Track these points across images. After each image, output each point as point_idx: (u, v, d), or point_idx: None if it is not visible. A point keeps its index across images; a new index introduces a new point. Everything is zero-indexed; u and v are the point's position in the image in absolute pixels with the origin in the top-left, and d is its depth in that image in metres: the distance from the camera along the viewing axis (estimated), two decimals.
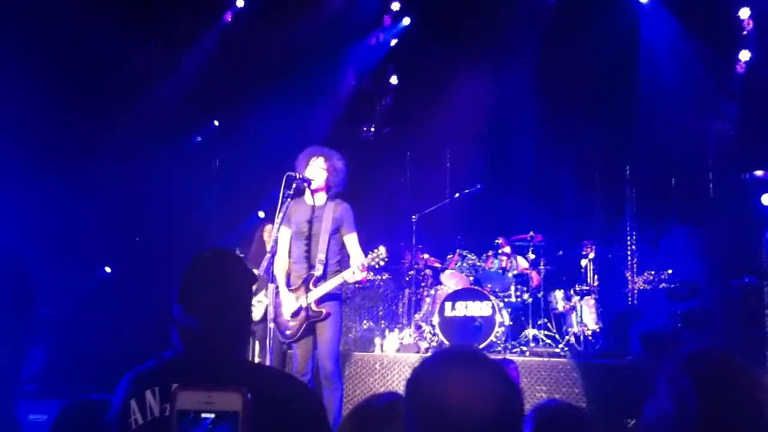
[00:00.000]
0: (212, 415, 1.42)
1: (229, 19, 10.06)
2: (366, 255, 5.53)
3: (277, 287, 5.41)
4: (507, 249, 8.60)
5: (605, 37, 9.17)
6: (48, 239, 7.79)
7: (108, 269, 7.90)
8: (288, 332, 5.49)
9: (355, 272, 5.43)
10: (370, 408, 2.03)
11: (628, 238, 9.34)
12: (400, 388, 6.93)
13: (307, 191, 5.61)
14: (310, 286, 5.46)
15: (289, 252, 5.67)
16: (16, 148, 7.65)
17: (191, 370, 2.19)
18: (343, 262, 5.64)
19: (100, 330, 8.41)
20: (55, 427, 2.82)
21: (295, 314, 5.47)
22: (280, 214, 5.29)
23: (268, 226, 7.88)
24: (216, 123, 10.39)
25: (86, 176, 8.26)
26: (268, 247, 7.43)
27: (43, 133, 8.05)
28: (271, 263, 5.20)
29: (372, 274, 5.78)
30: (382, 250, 5.48)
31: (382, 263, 5.52)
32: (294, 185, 5.40)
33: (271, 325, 5.23)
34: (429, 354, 7.54)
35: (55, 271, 7.87)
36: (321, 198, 5.64)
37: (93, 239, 8.64)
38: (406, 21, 10.54)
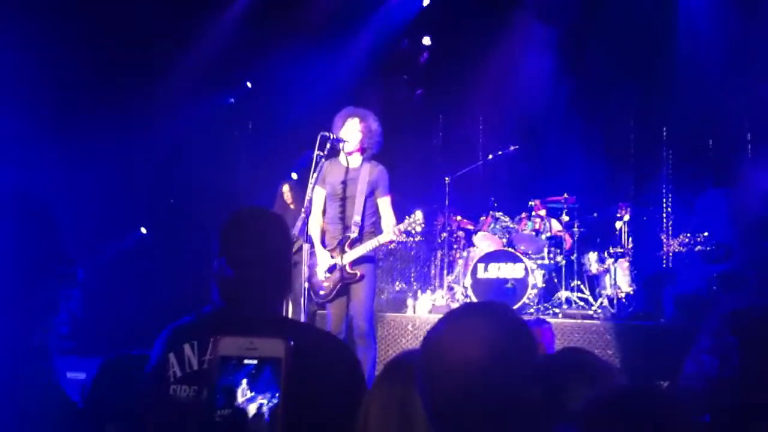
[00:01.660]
0: (254, 362, 1.43)
1: None
2: (399, 219, 5.53)
3: (312, 247, 5.43)
4: (542, 212, 8.54)
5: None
6: (83, 200, 7.88)
7: (144, 230, 7.98)
8: (322, 292, 5.53)
9: (389, 235, 5.44)
10: (408, 360, 2.04)
11: (664, 200, 9.22)
12: None
13: (342, 152, 5.60)
14: (346, 247, 5.48)
15: (323, 212, 5.68)
16: (50, 106, 7.72)
17: (229, 324, 2.21)
18: (378, 225, 5.64)
19: (137, 290, 8.53)
20: (95, 382, 2.85)
21: (329, 274, 5.50)
22: (315, 174, 5.29)
23: (286, 186, 7.95)
24: (249, 84, 10.37)
25: (120, 137, 8.32)
26: (293, 206, 7.51)
27: (77, 92, 8.10)
28: (305, 223, 5.21)
29: (405, 236, 5.77)
30: (419, 215, 5.47)
31: (419, 228, 5.50)
32: (328, 145, 5.39)
33: (306, 284, 5.27)
34: None
35: (91, 232, 7.98)
36: (356, 159, 5.62)
37: (128, 200, 8.73)
38: None
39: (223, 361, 1.45)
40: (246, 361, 1.44)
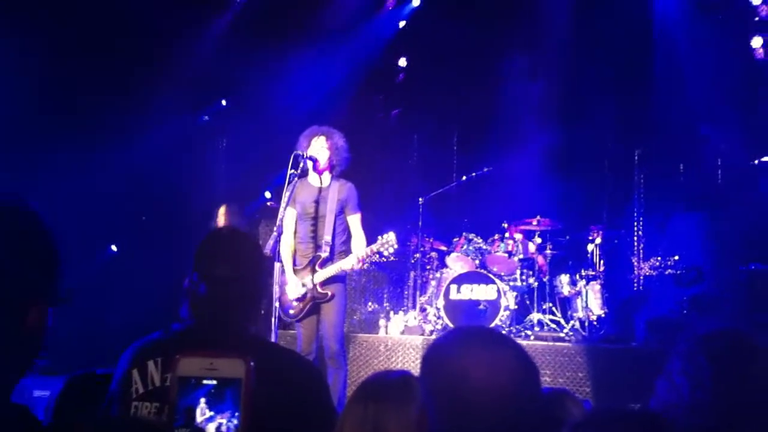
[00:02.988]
0: (214, 382, 1.40)
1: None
2: (372, 239, 5.52)
3: (282, 267, 5.39)
4: (516, 234, 8.54)
5: (618, 16, 9.09)
6: (55, 216, 7.75)
7: (114, 248, 7.90)
8: (292, 311, 5.50)
9: (354, 264, 5.43)
10: (382, 380, 2.02)
11: (635, 223, 9.28)
12: (404, 369, 6.93)
13: (312, 171, 5.59)
14: (316, 267, 5.45)
15: (295, 232, 5.65)
16: (22, 121, 7.64)
17: (195, 342, 2.19)
18: (350, 243, 5.63)
19: (105, 308, 8.42)
20: (59, 400, 2.82)
21: (299, 295, 5.46)
22: (287, 194, 5.27)
23: (222, 208, 7.92)
24: (224, 102, 10.34)
25: (90, 154, 8.24)
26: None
27: (51, 107, 8.03)
28: (277, 242, 5.18)
29: (378, 256, 5.74)
30: (391, 236, 5.46)
31: (391, 249, 5.50)
32: (301, 164, 5.38)
33: (276, 304, 5.23)
34: (434, 336, 7.56)
35: (61, 248, 7.86)
36: (326, 178, 5.62)
37: (98, 217, 8.63)
38: (416, 2, 10.45)
39: (182, 381, 1.41)
40: (205, 382, 1.41)
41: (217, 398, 1.40)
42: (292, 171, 5.33)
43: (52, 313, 1.55)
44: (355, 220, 5.60)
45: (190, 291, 2.31)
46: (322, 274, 5.43)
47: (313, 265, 5.46)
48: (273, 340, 5.09)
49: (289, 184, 5.30)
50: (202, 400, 1.39)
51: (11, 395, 1.43)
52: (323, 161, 5.54)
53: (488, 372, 1.52)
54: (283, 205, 5.26)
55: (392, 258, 8.54)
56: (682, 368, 1.84)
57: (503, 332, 1.67)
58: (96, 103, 8.36)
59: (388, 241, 5.44)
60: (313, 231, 5.53)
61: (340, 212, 5.54)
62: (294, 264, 5.60)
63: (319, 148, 5.54)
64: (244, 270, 2.35)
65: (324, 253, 5.46)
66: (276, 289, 5.27)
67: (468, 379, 1.51)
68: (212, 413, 1.39)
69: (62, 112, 8.21)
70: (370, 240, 5.58)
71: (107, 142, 8.40)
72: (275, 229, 5.23)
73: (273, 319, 5.12)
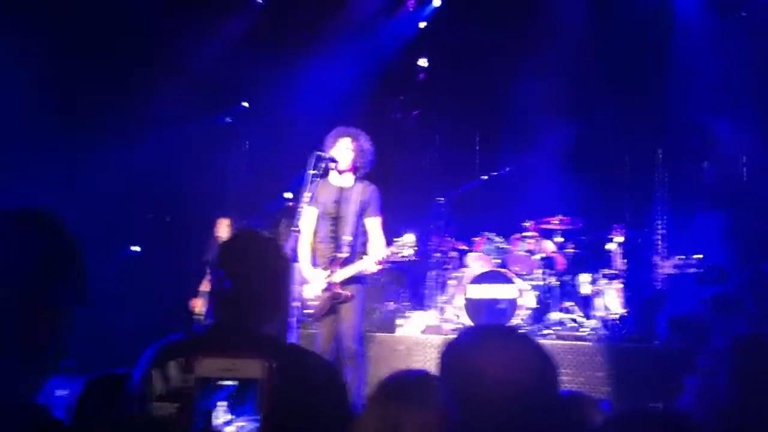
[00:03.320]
0: (235, 383, 1.42)
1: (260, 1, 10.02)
2: (391, 240, 5.53)
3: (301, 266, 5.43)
4: (536, 233, 8.53)
5: (638, 15, 9.04)
6: (77, 217, 7.84)
7: (136, 248, 7.96)
8: (311, 311, 5.51)
9: (372, 265, 5.44)
10: (401, 380, 2.04)
11: (658, 222, 9.22)
12: (423, 368, 6.94)
13: (334, 171, 5.61)
14: (336, 267, 5.47)
15: (315, 232, 5.67)
16: (43, 123, 7.72)
17: (216, 343, 2.22)
18: (369, 245, 5.64)
19: (129, 308, 8.48)
20: (79, 400, 2.85)
21: (318, 294, 5.48)
22: (308, 194, 5.30)
23: (226, 221, 8.00)
24: (246, 104, 10.39)
25: (115, 154, 8.31)
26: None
27: (71, 108, 8.10)
28: (296, 242, 5.21)
29: (396, 257, 5.75)
30: (409, 238, 5.46)
31: (411, 251, 5.49)
32: (322, 165, 5.40)
33: (296, 303, 5.25)
34: (455, 335, 7.56)
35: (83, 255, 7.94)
36: (348, 179, 5.64)
37: (117, 218, 8.70)
38: (437, 2, 10.44)
39: (202, 382, 1.44)
40: (225, 383, 1.43)
41: (238, 401, 1.42)
42: (313, 171, 5.35)
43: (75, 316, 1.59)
44: (375, 223, 5.61)
45: (213, 291, 2.37)
46: (342, 274, 5.45)
47: (332, 265, 5.48)
48: (293, 339, 5.12)
49: (309, 184, 5.32)
50: (223, 403, 1.41)
51: (36, 396, 1.46)
52: (347, 162, 5.56)
53: (506, 370, 1.53)
54: (303, 204, 5.28)
55: (412, 257, 8.56)
56: (711, 372, 1.85)
57: (522, 330, 1.69)
58: (114, 104, 8.43)
59: (407, 243, 5.45)
60: (333, 231, 5.55)
61: (362, 213, 5.56)
62: (313, 263, 5.62)
63: (343, 149, 5.57)
64: (268, 270, 2.40)
65: (344, 254, 5.48)
66: (295, 288, 5.30)
67: (486, 377, 1.51)
68: (232, 416, 1.42)
69: (82, 113, 8.29)
70: (390, 241, 5.59)
71: (126, 143, 8.48)
72: (295, 228, 5.25)
73: (293, 319, 5.15)
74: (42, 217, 1.50)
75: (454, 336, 1.88)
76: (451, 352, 1.63)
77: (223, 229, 8.06)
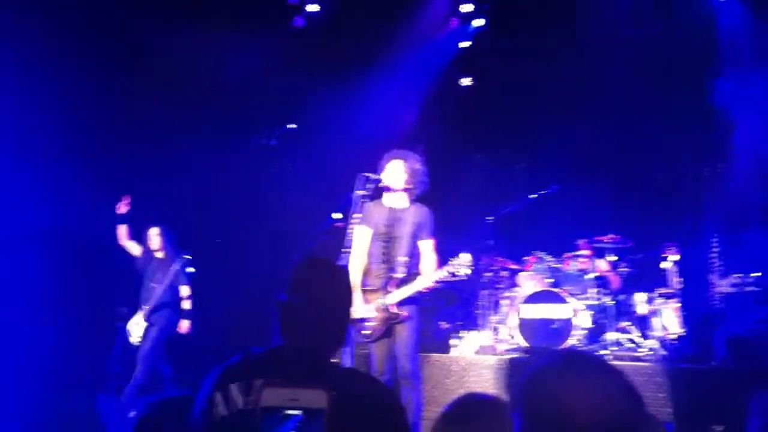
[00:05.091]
0: (299, 413, 1.40)
1: (301, 24, 10.11)
2: (443, 260, 5.49)
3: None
4: (588, 252, 8.41)
5: (683, 35, 8.91)
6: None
7: (191, 269, 8.05)
8: (366, 332, 5.48)
9: (428, 285, 5.41)
10: (470, 403, 2.00)
11: (712, 240, 9.03)
12: (477, 389, 6.87)
13: (388, 193, 5.61)
14: (391, 288, 5.45)
15: (366, 253, 5.66)
16: (97, 145, 7.88)
17: (277, 367, 2.22)
18: (421, 266, 5.61)
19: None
20: (139, 425, 2.87)
21: (373, 315, 5.46)
22: (357, 215, 5.30)
23: (155, 230, 7.96)
24: (293, 126, 10.49)
25: (164, 178, 8.44)
26: (161, 254, 7.75)
27: (121, 129, 8.26)
28: (347, 263, 5.20)
29: (451, 277, 5.69)
30: (466, 257, 5.42)
31: (467, 270, 5.44)
32: (370, 186, 5.40)
33: (351, 325, 5.24)
34: (508, 356, 7.47)
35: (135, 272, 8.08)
36: (401, 200, 5.63)
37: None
38: (480, 22, 10.42)
39: (268, 411, 1.42)
40: (290, 412, 1.41)
41: (306, 430, 1.40)
42: (361, 192, 5.36)
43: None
44: (428, 245, 5.59)
45: (282, 314, 2.38)
46: (397, 295, 5.42)
47: (387, 285, 5.46)
48: (349, 361, 5.10)
49: (357, 205, 5.32)
50: None
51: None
52: (400, 184, 5.56)
53: (596, 405, 1.47)
54: (353, 225, 5.28)
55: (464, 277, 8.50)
56: None
57: (606, 359, 1.64)
58: (164, 125, 8.57)
59: (463, 262, 5.40)
60: (386, 252, 5.53)
61: (415, 235, 5.54)
62: (365, 284, 5.61)
63: (396, 170, 5.57)
64: (335, 298, 2.42)
65: (399, 274, 5.46)
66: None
67: (575, 411, 1.46)
68: None
69: (131, 136, 8.47)
70: (442, 261, 5.55)
71: (176, 164, 8.60)
72: (345, 250, 5.24)
73: (348, 341, 5.13)
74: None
75: (523, 362, 1.84)
76: (536, 379, 1.56)
77: (154, 240, 8.01)
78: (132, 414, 5.12)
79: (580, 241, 8.51)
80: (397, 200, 5.61)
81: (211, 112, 9.14)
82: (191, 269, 8.01)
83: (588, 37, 9.28)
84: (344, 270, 2.60)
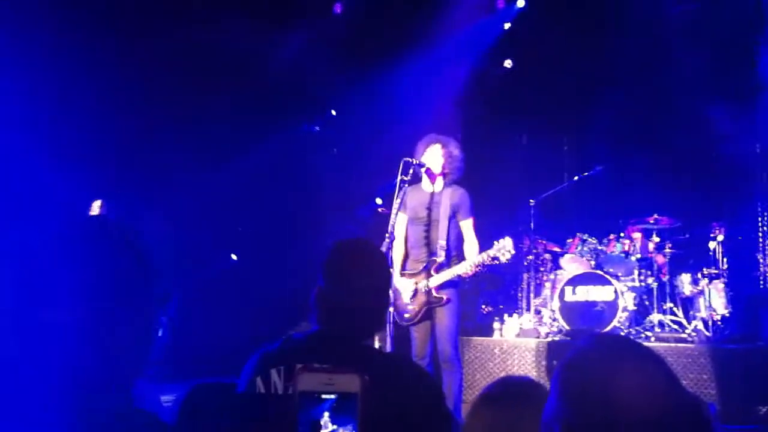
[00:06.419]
0: (334, 396, 1.45)
1: (339, 11, 10.14)
2: (484, 244, 5.52)
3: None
4: (636, 235, 8.33)
5: (730, 14, 8.74)
6: (172, 228, 8.14)
7: (234, 257, 8.18)
8: (407, 315, 5.54)
9: (469, 269, 5.43)
10: (504, 386, 2.03)
11: (759, 218, 8.89)
12: (519, 372, 6.90)
13: (425, 178, 5.65)
14: (432, 271, 5.49)
15: (406, 237, 5.71)
16: (138, 133, 8.00)
17: (315, 352, 2.27)
18: (462, 248, 5.64)
19: (226, 316, 8.71)
20: (183, 407, 2.93)
21: (413, 298, 5.51)
22: (397, 200, 5.34)
23: (97, 203, 7.95)
24: (333, 112, 10.54)
25: (205, 165, 8.54)
26: None
27: (162, 118, 8.37)
28: (390, 248, 5.25)
29: (494, 261, 5.70)
30: (508, 242, 5.44)
31: (508, 255, 5.46)
32: (411, 171, 5.44)
33: (390, 309, 5.30)
34: (550, 339, 7.47)
35: (180, 259, 8.22)
36: (438, 184, 5.66)
37: (212, 228, 8.93)
38: (521, 3, 10.34)
39: (304, 396, 1.48)
40: (325, 396, 1.47)
41: (339, 412, 1.45)
42: (402, 177, 5.39)
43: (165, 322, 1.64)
44: (468, 225, 5.61)
45: (318, 300, 2.39)
46: (438, 278, 5.46)
47: (428, 269, 5.50)
48: (389, 344, 5.17)
49: (399, 190, 5.36)
50: (326, 414, 1.45)
51: (135, 401, 1.51)
52: (437, 168, 5.60)
53: (641, 394, 1.48)
54: (394, 211, 5.32)
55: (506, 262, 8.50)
56: None
57: (645, 344, 1.62)
58: (208, 115, 8.66)
59: (505, 246, 5.42)
60: (426, 236, 5.57)
61: (453, 216, 5.57)
62: (404, 268, 5.66)
63: (434, 155, 5.60)
64: (374, 282, 2.42)
65: (440, 258, 5.50)
66: (390, 294, 5.34)
67: (620, 400, 1.47)
68: (335, 426, 1.45)
69: (173, 124, 8.59)
70: (483, 245, 5.58)
71: (221, 154, 8.70)
72: (387, 235, 5.29)
73: (388, 325, 5.19)
74: (108, 227, 1.54)
75: (565, 344, 1.85)
76: (578, 364, 1.56)
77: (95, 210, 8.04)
78: (166, 399, 5.22)
79: (624, 223, 8.43)
80: (434, 185, 5.65)
81: (255, 101, 9.21)
82: (234, 257, 8.12)
83: (631, 13, 9.16)
84: (382, 254, 2.60)
